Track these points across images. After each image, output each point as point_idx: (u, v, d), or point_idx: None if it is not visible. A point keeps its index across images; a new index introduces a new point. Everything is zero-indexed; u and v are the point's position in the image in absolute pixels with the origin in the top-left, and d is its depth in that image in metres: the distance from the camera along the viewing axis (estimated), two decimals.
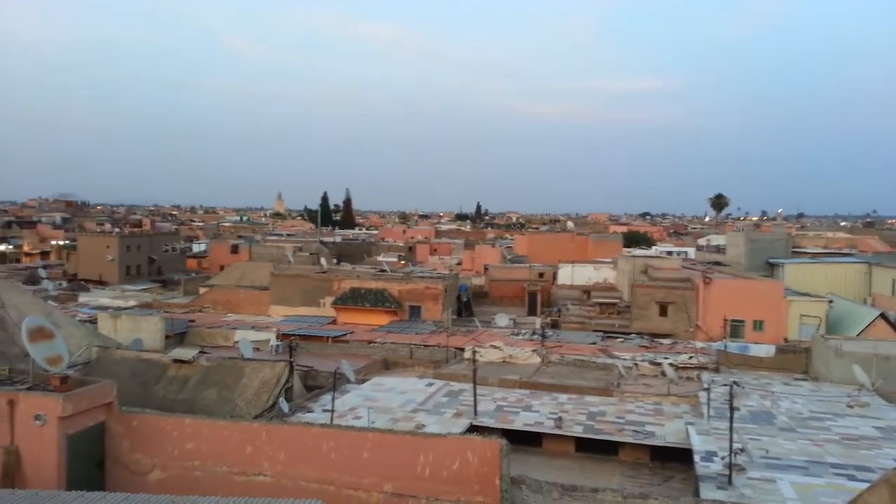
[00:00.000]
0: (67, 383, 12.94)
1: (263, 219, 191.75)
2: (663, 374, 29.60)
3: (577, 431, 22.15)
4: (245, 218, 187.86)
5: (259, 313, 48.04)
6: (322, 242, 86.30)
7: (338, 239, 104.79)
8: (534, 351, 33.20)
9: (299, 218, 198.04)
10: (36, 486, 11.66)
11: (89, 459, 13.00)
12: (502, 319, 40.55)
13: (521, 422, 22.83)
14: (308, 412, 23.07)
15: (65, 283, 63.72)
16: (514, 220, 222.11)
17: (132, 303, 50.18)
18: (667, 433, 21.84)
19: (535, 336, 38.58)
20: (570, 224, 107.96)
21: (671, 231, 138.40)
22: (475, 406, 23.48)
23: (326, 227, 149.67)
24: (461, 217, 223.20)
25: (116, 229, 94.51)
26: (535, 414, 23.69)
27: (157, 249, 79.83)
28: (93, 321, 36.30)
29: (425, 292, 46.04)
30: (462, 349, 34.09)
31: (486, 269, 66.94)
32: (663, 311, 42.51)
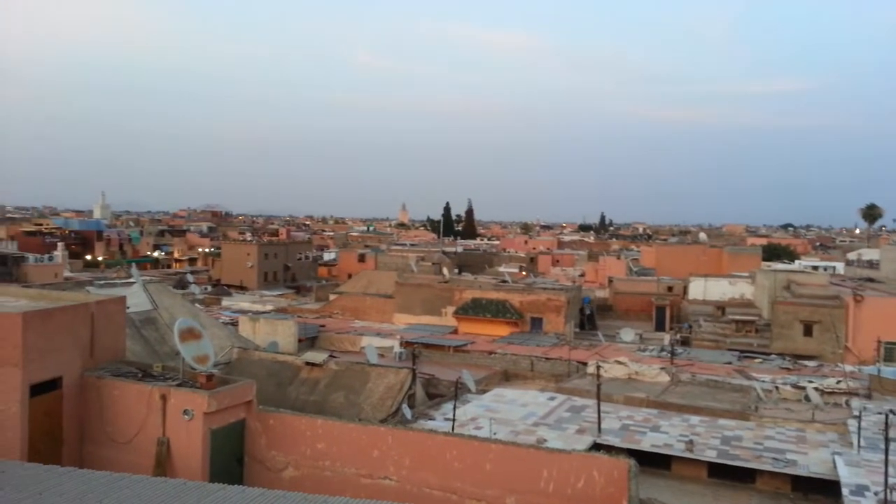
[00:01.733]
0: (212, 381, 13.83)
1: (388, 229, 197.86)
2: (807, 398, 27.42)
3: (710, 456, 20.93)
4: (371, 228, 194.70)
5: (384, 320, 49.44)
6: (444, 252, 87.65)
7: (459, 249, 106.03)
8: (662, 368, 31.82)
9: (422, 228, 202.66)
10: (183, 476, 12.54)
11: (230, 454, 13.83)
12: (628, 334, 39.28)
13: (648, 442, 21.91)
14: (430, 420, 23.36)
15: (209, 288, 68.85)
16: (640, 230, 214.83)
17: (269, 307, 53.26)
18: (810, 462, 20.17)
19: (664, 353, 37.00)
20: (702, 235, 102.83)
21: (817, 244, 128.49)
22: (599, 423, 22.80)
23: (448, 237, 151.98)
24: (584, 228, 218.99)
25: (255, 238, 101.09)
26: (664, 435, 22.65)
27: (291, 257, 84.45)
28: (234, 324, 38.78)
29: (547, 304, 45.48)
30: (585, 363, 33.32)
31: (610, 281, 65.20)
32: (808, 330, 39.45)
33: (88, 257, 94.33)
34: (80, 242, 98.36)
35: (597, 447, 19.99)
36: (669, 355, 35.26)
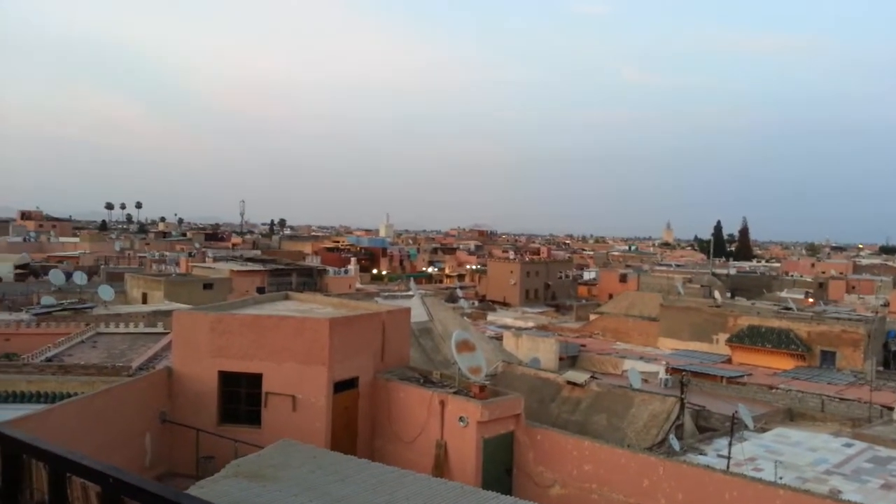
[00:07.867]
0: (485, 392, 14.55)
1: (651, 248, 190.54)
2: None
3: None
4: (633, 247, 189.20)
5: (647, 344, 47.58)
6: (714, 274, 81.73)
7: (732, 271, 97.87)
8: None
9: (689, 248, 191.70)
10: (458, 479, 13.30)
11: (500, 464, 14.37)
12: None
13: None
14: (700, 454, 21.83)
15: (476, 303, 72.59)
16: None
17: (530, 324, 54.43)
18: None
19: None
20: None
21: None
22: None
23: (719, 258, 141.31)
24: (888, 250, 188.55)
25: (518, 256, 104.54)
26: None
27: (552, 276, 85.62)
28: (498, 338, 40.34)
29: (841, 336, 39.96)
30: (890, 408, 28.58)
31: None
32: None
33: (374, 271, 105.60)
34: (368, 258, 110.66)
35: None
36: None
